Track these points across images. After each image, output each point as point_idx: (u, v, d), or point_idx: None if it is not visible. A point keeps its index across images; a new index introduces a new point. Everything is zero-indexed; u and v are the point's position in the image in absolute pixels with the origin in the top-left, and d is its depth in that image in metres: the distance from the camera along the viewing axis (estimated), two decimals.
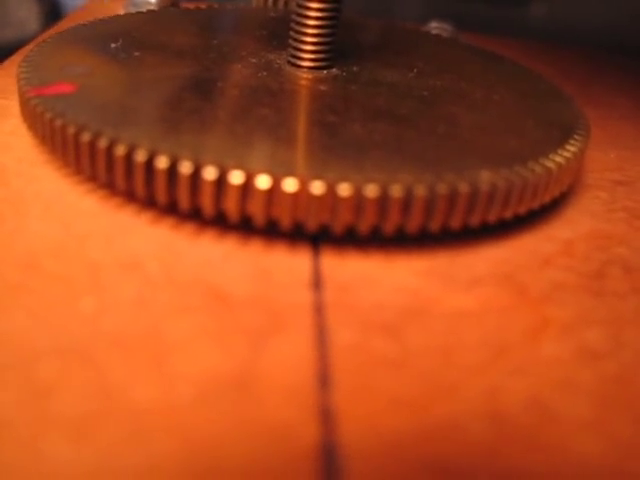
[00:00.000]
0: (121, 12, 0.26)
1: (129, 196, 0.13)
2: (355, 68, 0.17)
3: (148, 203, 0.13)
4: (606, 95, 0.25)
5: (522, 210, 0.13)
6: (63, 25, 0.24)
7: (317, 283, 0.12)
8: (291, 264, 0.12)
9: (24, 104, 0.14)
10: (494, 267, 0.13)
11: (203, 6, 0.22)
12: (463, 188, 0.12)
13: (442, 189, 0.12)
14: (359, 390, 0.10)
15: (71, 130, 0.12)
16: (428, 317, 0.11)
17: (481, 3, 0.54)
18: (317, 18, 0.16)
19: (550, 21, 0.53)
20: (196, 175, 0.11)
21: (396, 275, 0.12)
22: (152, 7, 0.25)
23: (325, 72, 0.17)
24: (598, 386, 0.10)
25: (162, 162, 0.12)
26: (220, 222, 0.13)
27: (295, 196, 0.11)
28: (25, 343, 0.10)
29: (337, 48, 0.17)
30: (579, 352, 0.11)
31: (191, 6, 0.23)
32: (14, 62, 0.20)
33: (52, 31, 0.23)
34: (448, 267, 0.12)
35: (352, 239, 0.13)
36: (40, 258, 0.12)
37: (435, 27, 0.28)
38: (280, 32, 0.18)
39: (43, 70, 0.15)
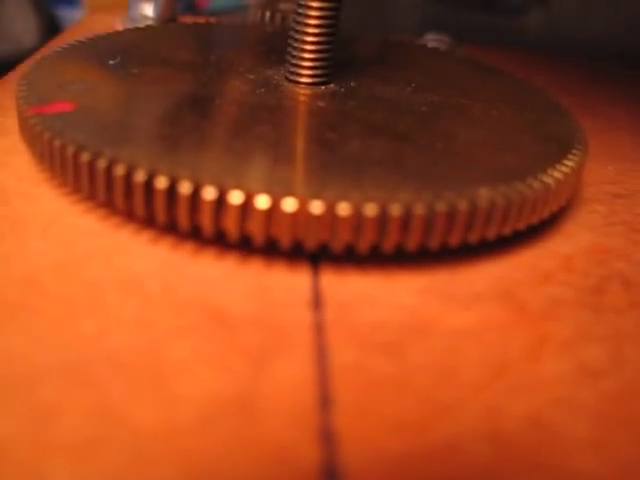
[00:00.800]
0: (119, 27, 0.26)
1: (128, 215, 0.13)
2: (353, 83, 0.17)
3: (148, 222, 0.13)
4: (604, 106, 0.25)
5: (521, 226, 0.13)
6: (61, 40, 0.25)
7: (317, 302, 0.12)
8: (291, 283, 0.12)
9: (23, 123, 0.14)
10: (493, 283, 0.13)
11: (201, 21, 0.22)
12: (462, 206, 0.12)
13: (441, 207, 0.12)
14: (360, 411, 0.10)
15: (70, 150, 0.13)
16: (428, 335, 0.11)
17: (478, 13, 0.55)
18: (315, 34, 0.16)
19: (548, 30, 0.53)
20: (195, 195, 0.12)
21: (396, 293, 0.12)
22: (150, 22, 0.25)
23: (323, 88, 0.17)
24: (598, 404, 0.10)
25: (161, 182, 0.12)
26: (220, 241, 0.13)
27: (294, 216, 0.11)
28: (26, 364, 0.10)
29: (335, 64, 0.17)
30: (578, 369, 0.11)
31: (189, 21, 0.24)
32: (12, 79, 0.20)
33: (50, 46, 0.23)
34: (447, 284, 0.12)
35: (351, 258, 0.13)
36: (40, 278, 0.12)
37: (432, 39, 0.28)
38: (278, 48, 0.18)
39: (42, 88, 0.15)
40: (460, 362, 0.11)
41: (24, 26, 0.44)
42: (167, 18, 0.25)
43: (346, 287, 0.12)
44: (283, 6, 0.25)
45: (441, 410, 0.10)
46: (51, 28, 0.45)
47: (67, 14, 0.44)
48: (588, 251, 0.14)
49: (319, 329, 0.11)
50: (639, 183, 0.18)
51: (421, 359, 0.11)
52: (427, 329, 0.11)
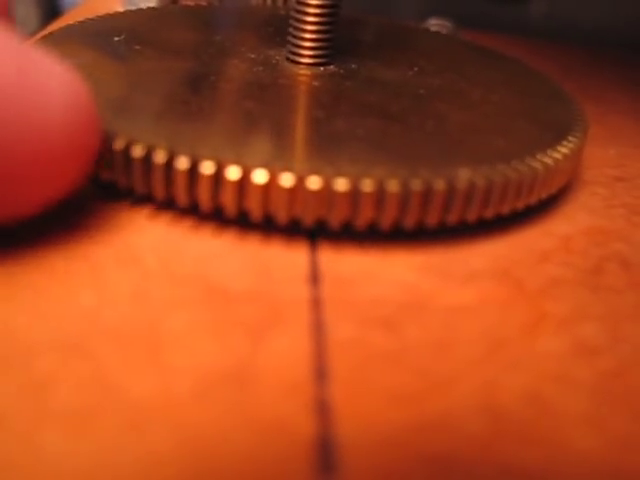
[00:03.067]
0: (120, 9, 0.26)
1: (127, 192, 0.13)
2: (354, 66, 0.17)
3: (146, 198, 0.13)
4: (607, 91, 0.25)
5: (505, 209, 0.13)
6: (62, 22, 0.24)
7: (315, 278, 0.12)
8: (289, 259, 0.12)
9: None
10: (491, 262, 0.13)
11: (204, 3, 0.22)
12: (461, 184, 0.12)
13: (440, 184, 0.12)
14: (356, 384, 0.10)
15: None
16: (425, 311, 0.11)
17: (480, 1, 0.54)
18: (316, 14, 0.16)
19: (550, 19, 0.53)
20: (193, 170, 0.11)
21: (393, 270, 0.12)
22: (151, 4, 0.25)
23: (322, 69, 0.17)
24: (595, 380, 0.10)
25: (160, 157, 0.12)
26: (218, 217, 0.13)
27: (292, 191, 0.11)
28: (23, 336, 0.10)
29: (337, 45, 0.17)
30: (576, 346, 0.11)
31: (191, 3, 0.23)
32: None
33: (52, 27, 0.23)
34: (445, 262, 0.12)
35: (349, 235, 0.13)
36: (39, 253, 0.12)
37: (435, 24, 0.28)
38: (283, 29, 0.18)
39: None
40: (457, 338, 0.11)
41: (25, 12, 0.44)
42: (169, 0, 0.25)
43: (344, 264, 0.12)
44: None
45: (437, 384, 0.10)
46: (53, 14, 0.45)
47: (68, 0, 0.44)
48: (588, 232, 0.14)
49: (316, 304, 0.11)
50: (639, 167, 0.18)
51: (418, 334, 0.11)
52: (424, 305, 0.11)
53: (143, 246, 0.12)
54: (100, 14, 0.20)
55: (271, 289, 0.11)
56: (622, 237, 0.14)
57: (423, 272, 0.12)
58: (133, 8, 0.24)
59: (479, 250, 0.13)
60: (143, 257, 0.12)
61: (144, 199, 0.13)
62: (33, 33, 0.42)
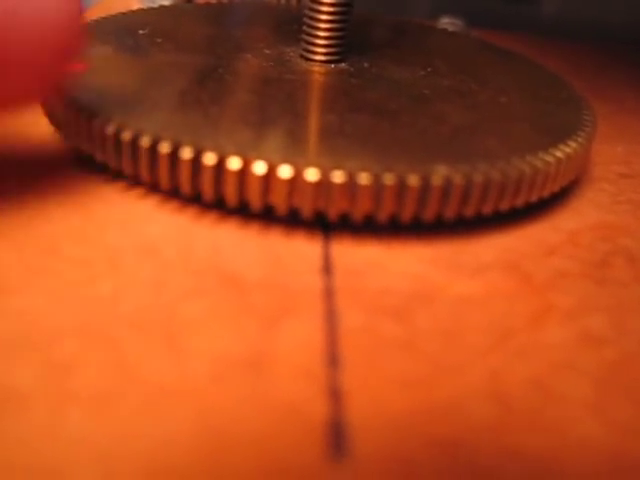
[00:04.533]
0: (137, 6, 0.26)
1: (153, 187, 0.13)
2: (366, 64, 0.17)
3: (172, 193, 0.13)
4: (616, 89, 0.25)
5: (519, 202, 0.13)
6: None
7: (327, 269, 0.12)
8: (303, 251, 0.12)
9: None
10: (500, 255, 0.13)
11: (221, 0, 0.23)
12: (478, 178, 0.12)
13: (458, 179, 0.12)
14: (367, 370, 0.10)
15: (87, 117, 0.13)
16: (434, 302, 0.11)
17: (492, 0, 0.54)
18: (329, 12, 0.16)
19: (562, 18, 0.53)
20: (219, 165, 0.12)
21: (404, 262, 0.12)
22: (167, 2, 0.25)
23: (333, 66, 0.17)
24: (599, 370, 0.10)
25: (186, 153, 0.12)
26: (242, 211, 0.13)
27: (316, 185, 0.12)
28: (45, 323, 0.10)
29: (352, 43, 0.18)
30: (581, 337, 0.11)
31: (209, 1, 0.24)
32: None
33: None
34: (455, 254, 0.13)
35: (362, 227, 0.13)
36: (60, 242, 0.12)
37: (446, 23, 0.28)
38: (300, 26, 0.18)
39: None
40: (465, 327, 0.11)
41: None
42: None
43: (356, 255, 0.12)
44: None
45: (446, 371, 0.10)
46: None
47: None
48: (594, 227, 0.14)
49: (328, 294, 0.11)
50: None
51: (427, 324, 0.11)
52: (433, 296, 0.12)
53: (163, 237, 0.12)
54: (118, 11, 0.20)
55: (285, 279, 0.12)
56: (628, 232, 0.15)
57: (433, 264, 0.12)
58: (151, 5, 0.25)
59: (489, 243, 0.13)
60: (160, 246, 0.12)
61: (170, 194, 0.13)
62: None
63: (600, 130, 0.20)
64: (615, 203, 0.16)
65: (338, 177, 0.12)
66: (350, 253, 0.12)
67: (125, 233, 0.12)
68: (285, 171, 0.12)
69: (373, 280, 0.12)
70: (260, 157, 0.12)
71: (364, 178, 0.12)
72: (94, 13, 0.26)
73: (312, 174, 0.12)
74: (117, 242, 0.12)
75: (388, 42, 0.20)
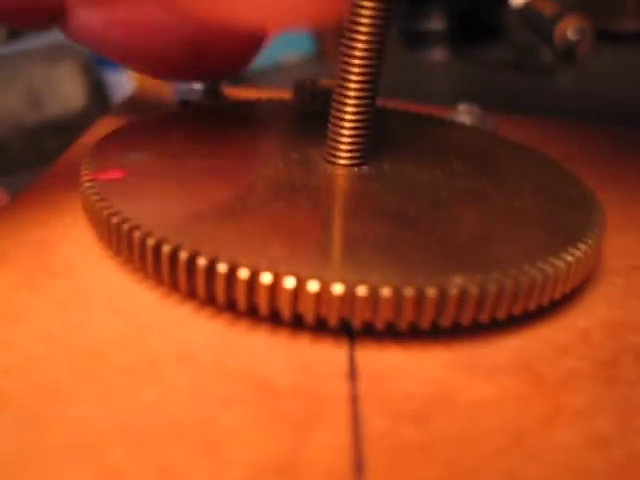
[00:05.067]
0: (167, 98, 0.28)
1: (190, 294, 0.14)
2: (386, 166, 0.18)
3: (208, 301, 0.14)
4: (631, 175, 0.26)
5: (531, 306, 0.14)
6: (116, 112, 0.26)
7: (352, 374, 0.13)
8: (331, 356, 0.13)
9: (81, 192, 0.16)
10: (513, 357, 0.14)
11: (247, 98, 0.24)
12: (491, 287, 0.13)
13: (472, 289, 0.13)
14: (389, 474, 0.11)
15: (125, 227, 0.14)
16: (452, 406, 0.12)
17: (510, 74, 0.56)
18: (352, 120, 0.18)
19: (578, 90, 0.54)
20: (253, 278, 0.13)
21: (424, 366, 0.13)
22: (197, 95, 0.27)
23: (356, 169, 0.18)
24: (607, 471, 0.11)
25: (222, 268, 0.13)
26: (273, 319, 0.14)
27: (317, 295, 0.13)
28: (95, 429, 0.11)
29: (373, 144, 0.19)
30: (589, 439, 0.12)
31: (233, 92, 0.25)
32: (76, 152, 0.22)
33: (105, 121, 0.25)
34: (472, 358, 0.14)
35: (385, 332, 0.14)
36: (105, 349, 0.13)
37: (464, 110, 0.29)
38: (320, 124, 0.19)
39: (101, 157, 0.17)
40: (481, 431, 0.12)
41: (74, 88, 0.47)
42: (214, 91, 0.27)
43: (379, 360, 0.13)
44: (323, 84, 0.27)
45: (462, 474, 0.11)
46: (97, 91, 0.48)
47: (112, 78, 0.47)
48: (605, 324, 0.15)
49: (354, 400, 0.12)
50: None
51: (445, 428, 0.12)
52: (451, 400, 0.12)
53: (200, 344, 0.13)
54: (149, 102, 0.21)
55: (314, 385, 0.13)
56: (637, 329, 0.15)
57: (451, 368, 0.13)
58: (179, 97, 0.26)
59: (504, 345, 0.14)
60: (199, 355, 0.13)
61: (206, 302, 0.14)
62: (80, 110, 0.45)
63: (612, 219, 0.21)
64: (626, 298, 0.17)
65: (361, 291, 0.13)
66: (374, 358, 0.13)
67: (165, 340, 0.13)
68: (313, 286, 0.13)
69: (395, 385, 0.13)
70: (290, 272, 0.13)
71: (385, 291, 0.13)
72: (128, 105, 0.27)
73: (338, 288, 0.13)
74: (158, 349, 0.13)
75: (407, 140, 0.21)
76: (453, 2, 0.63)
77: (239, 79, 0.53)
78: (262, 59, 0.63)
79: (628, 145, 0.30)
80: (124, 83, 0.47)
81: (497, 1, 0.65)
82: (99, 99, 0.48)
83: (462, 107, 0.29)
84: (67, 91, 0.46)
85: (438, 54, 0.63)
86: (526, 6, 0.68)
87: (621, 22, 0.66)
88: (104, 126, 0.23)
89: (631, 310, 0.16)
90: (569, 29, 0.59)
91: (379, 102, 0.25)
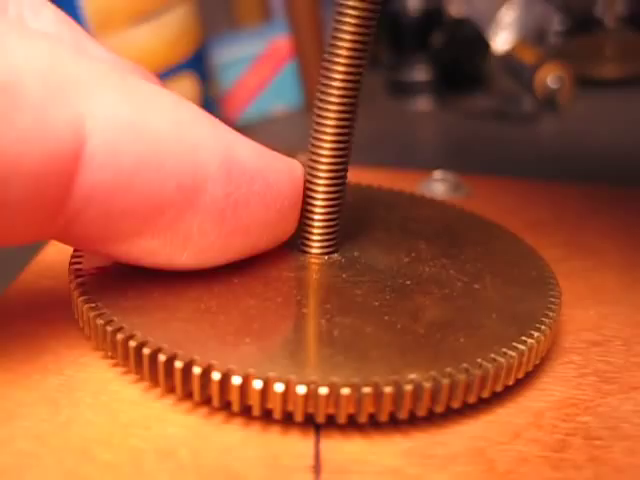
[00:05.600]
0: None
1: (169, 391, 0.15)
2: (356, 253, 0.20)
3: (186, 397, 0.15)
4: (595, 241, 0.27)
5: (485, 394, 0.15)
6: None
7: (317, 467, 0.14)
8: (297, 449, 0.14)
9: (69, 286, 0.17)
10: (467, 443, 0.15)
11: None
12: (445, 381, 0.15)
13: (427, 384, 0.14)
14: None
15: (111, 330, 0.15)
16: None
17: (493, 122, 0.58)
18: (322, 213, 0.19)
19: (559, 137, 0.56)
20: (225, 381, 0.14)
21: (383, 456, 0.14)
22: None
23: (327, 258, 0.19)
24: None
25: (196, 370, 0.14)
26: (245, 413, 0.15)
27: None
28: None
29: (344, 228, 0.20)
30: None
31: None
32: None
33: None
34: (428, 446, 0.15)
35: (348, 424, 0.15)
36: (91, 447, 0.14)
37: (438, 177, 0.30)
38: None
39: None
40: None
41: None
42: None
43: (343, 450, 0.15)
44: (302, 159, 0.28)
45: None
46: None
47: None
48: (558, 405, 0.16)
49: None
50: (617, 328, 0.20)
51: None
52: None
53: (176, 437, 0.14)
54: None
55: (281, 479, 0.14)
56: (589, 408, 0.16)
57: (408, 457, 0.14)
58: None
59: (460, 432, 0.15)
60: (177, 449, 0.14)
61: (184, 397, 0.15)
62: None
63: (575, 290, 0.22)
64: (581, 376, 0.18)
65: (323, 390, 0.14)
66: (338, 448, 0.15)
67: (146, 435, 0.15)
68: (279, 387, 0.14)
69: (355, 477, 0.14)
70: (258, 374, 0.14)
71: (346, 390, 0.14)
72: None
73: (301, 389, 0.14)
74: (139, 444, 0.14)
75: (378, 223, 0.22)
76: (437, 53, 0.65)
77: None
78: (253, 110, 0.64)
79: (597, 205, 0.31)
80: None
81: (481, 52, 0.67)
82: None
83: (437, 174, 0.30)
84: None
85: (422, 104, 0.65)
86: (508, 54, 0.70)
87: (601, 69, 0.68)
88: None
89: (585, 389, 0.17)
90: (549, 77, 0.60)
91: (354, 171, 0.26)
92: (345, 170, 0.19)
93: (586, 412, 0.16)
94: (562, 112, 0.60)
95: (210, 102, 0.56)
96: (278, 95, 0.65)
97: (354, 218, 0.22)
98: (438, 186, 0.29)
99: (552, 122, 0.59)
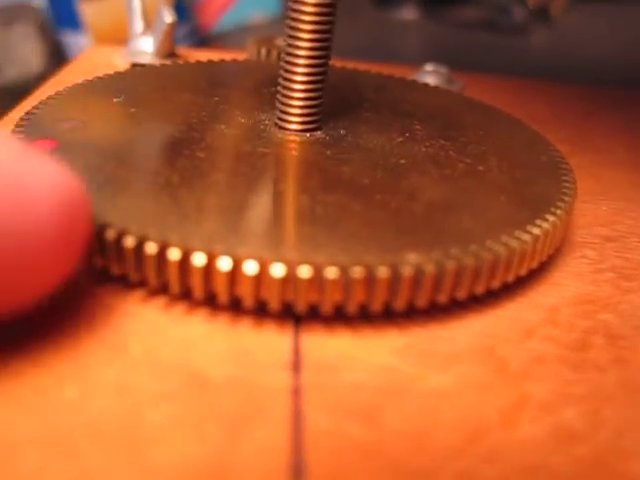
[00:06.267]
0: (119, 61, 0.26)
1: (121, 278, 0.13)
2: (342, 131, 0.17)
3: (140, 284, 0.13)
4: (601, 139, 0.25)
5: (495, 284, 0.13)
6: (64, 75, 0.25)
7: (296, 364, 0.12)
8: (272, 344, 0.12)
9: None
10: (474, 340, 0.13)
11: (203, 60, 0.23)
12: (449, 265, 0.12)
13: (429, 267, 0.12)
14: (332, 479, 0.10)
15: None
16: (404, 398, 0.11)
17: (482, 32, 0.55)
18: (303, 82, 0.16)
19: (551, 49, 0.53)
20: (185, 259, 0.12)
21: (376, 353, 0.12)
22: (149, 57, 0.25)
23: (309, 135, 0.17)
24: (572, 470, 0.10)
25: (151, 248, 0.12)
26: (212, 302, 0.13)
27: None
28: (7, 431, 0.10)
29: (328, 107, 0.17)
30: (554, 434, 0.11)
31: (189, 55, 0.24)
32: (13, 119, 0.21)
33: (55, 79, 0.24)
34: (428, 342, 0.13)
35: (334, 316, 0.13)
36: (25, 338, 0.12)
37: (430, 71, 0.28)
38: (276, 88, 0.18)
39: (35, 126, 0.15)
40: (435, 426, 0.11)
41: (30, 51, 0.45)
42: (166, 53, 0.25)
43: (326, 347, 0.12)
44: (280, 42, 0.25)
45: (413, 477, 0.10)
46: (56, 53, 0.46)
47: (71, 40, 0.45)
48: (574, 302, 0.14)
49: (296, 393, 0.11)
50: (632, 224, 0.18)
51: (396, 424, 0.11)
52: (404, 392, 0.11)
53: (131, 332, 0.12)
54: (100, 66, 0.20)
55: (252, 377, 0.11)
56: (609, 305, 0.14)
57: (405, 354, 0.12)
58: (133, 60, 0.25)
59: (464, 326, 0.13)
60: (129, 344, 0.12)
61: (137, 284, 0.13)
62: (37, 73, 0.43)
63: (585, 186, 0.20)
64: (597, 272, 0.16)
65: (305, 272, 0.11)
66: (320, 344, 0.12)
67: (94, 327, 0.12)
68: (250, 267, 0.11)
69: (343, 375, 0.12)
70: (226, 252, 0.12)
71: (331, 272, 0.11)
72: (74, 69, 0.26)
73: (278, 270, 0.11)
74: (87, 338, 0.12)
75: (367, 103, 0.20)
76: None
77: (202, 39, 0.51)
78: (228, 19, 0.61)
79: (599, 106, 0.29)
80: (84, 45, 0.45)
81: None
82: (58, 62, 0.46)
83: (428, 67, 0.28)
84: (23, 54, 0.44)
85: (408, 13, 0.61)
86: None
87: None
88: (50, 89, 0.22)
89: (603, 285, 0.15)
90: None
91: (338, 63, 0.23)
92: (329, 40, 0.16)
93: (606, 309, 0.14)
94: (554, 23, 0.57)
95: (183, 9, 0.52)
96: (256, 2, 0.61)
97: (339, 98, 0.19)
98: (430, 79, 0.26)
99: (544, 33, 0.57)
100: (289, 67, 0.16)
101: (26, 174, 0.10)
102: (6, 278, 0.10)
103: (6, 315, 0.11)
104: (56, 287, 0.11)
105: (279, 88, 0.17)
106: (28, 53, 0.45)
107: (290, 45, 0.16)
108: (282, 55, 0.16)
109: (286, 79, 0.16)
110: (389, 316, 0.13)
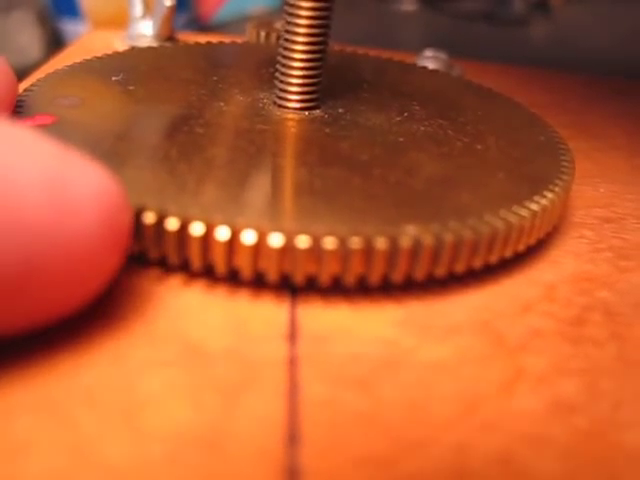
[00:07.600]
0: (118, 44, 0.26)
1: None
2: (341, 110, 0.17)
3: (137, 254, 0.13)
4: (602, 125, 0.25)
5: (493, 259, 0.13)
6: (62, 57, 0.25)
7: (293, 335, 0.12)
8: (269, 315, 0.12)
9: None
10: (472, 314, 0.13)
11: (202, 42, 0.23)
12: (448, 237, 0.12)
13: (427, 239, 0.12)
14: (327, 447, 0.10)
15: None
16: (401, 369, 0.11)
17: (482, 24, 0.55)
18: (302, 60, 0.16)
19: (550, 41, 0.53)
20: (182, 230, 0.12)
21: (373, 325, 0.12)
22: (148, 41, 0.25)
23: (307, 114, 0.17)
24: (570, 441, 0.10)
25: (149, 218, 0.12)
26: (209, 274, 0.13)
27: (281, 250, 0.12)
28: (2, 396, 0.10)
29: (327, 87, 0.17)
30: (552, 405, 0.11)
31: (189, 40, 0.24)
32: None
33: (51, 63, 0.24)
34: (425, 315, 0.12)
35: (331, 287, 0.13)
36: None
37: (429, 57, 0.28)
38: (275, 68, 0.18)
39: (34, 103, 0.15)
40: (432, 397, 0.11)
41: (29, 39, 0.45)
42: (165, 37, 0.25)
43: (323, 319, 0.12)
44: (279, 25, 0.25)
45: (409, 446, 0.10)
46: (55, 41, 0.46)
47: (70, 27, 0.45)
48: (572, 279, 0.14)
49: (293, 363, 0.11)
50: (630, 206, 0.18)
51: (392, 394, 0.11)
52: (401, 363, 0.11)
53: (128, 302, 0.12)
54: (98, 49, 0.20)
55: (249, 347, 0.11)
56: (607, 284, 0.14)
57: (403, 327, 0.12)
58: (132, 43, 0.25)
59: (462, 301, 0.13)
60: (126, 314, 0.12)
61: (135, 257, 0.13)
62: (36, 60, 0.43)
63: (583, 168, 0.20)
64: (595, 251, 0.16)
65: (303, 242, 0.11)
66: (317, 316, 0.12)
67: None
68: (248, 237, 0.11)
69: (339, 346, 0.12)
70: (223, 221, 0.12)
71: (330, 243, 0.11)
72: (72, 52, 0.26)
73: (276, 239, 0.11)
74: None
75: (366, 84, 0.19)
76: None
77: (201, 29, 0.51)
78: (227, 10, 0.61)
79: (599, 94, 0.29)
80: (83, 33, 0.45)
81: None
82: (56, 50, 0.45)
83: (428, 53, 0.28)
84: (22, 42, 0.44)
85: (408, 5, 0.61)
86: None
87: None
88: (49, 70, 0.22)
89: (601, 264, 0.15)
90: None
91: (339, 47, 0.23)
92: (328, 18, 0.16)
93: (604, 287, 0.14)
94: (554, 15, 0.57)
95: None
96: None
97: (339, 79, 0.19)
98: (429, 64, 0.26)
99: (544, 26, 0.56)
100: (288, 44, 0.16)
101: (70, 181, 0.10)
102: (54, 289, 0.10)
103: (52, 323, 0.11)
104: (98, 293, 0.11)
105: (278, 66, 0.17)
106: (27, 41, 0.45)
107: (289, 22, 0.16)
108: (281, 33, 0.16)
109: (285, 57, 0.16)
110: (387, 290, 0.13)
